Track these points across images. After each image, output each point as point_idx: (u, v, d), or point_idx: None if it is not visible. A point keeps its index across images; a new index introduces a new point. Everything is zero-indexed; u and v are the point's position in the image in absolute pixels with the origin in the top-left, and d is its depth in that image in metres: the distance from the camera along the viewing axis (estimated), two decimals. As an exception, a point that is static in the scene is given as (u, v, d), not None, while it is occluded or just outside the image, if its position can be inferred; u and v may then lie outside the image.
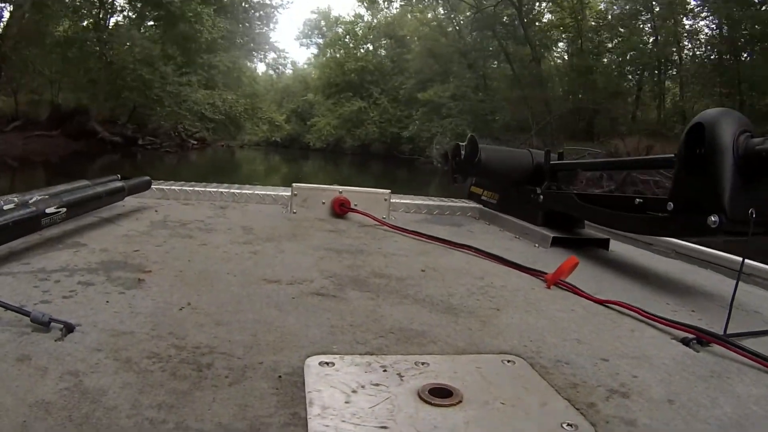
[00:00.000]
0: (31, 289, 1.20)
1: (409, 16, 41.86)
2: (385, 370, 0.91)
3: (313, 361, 0.92)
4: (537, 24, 31.17)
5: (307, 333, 1.06)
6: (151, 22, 31.01)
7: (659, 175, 13.29)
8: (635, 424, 0.80)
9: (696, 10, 24.65)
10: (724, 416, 0.85)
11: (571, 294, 1.47)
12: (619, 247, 2.22)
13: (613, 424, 0.80)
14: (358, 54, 45.71)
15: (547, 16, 31.53)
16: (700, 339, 1.14)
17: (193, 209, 2.40)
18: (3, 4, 22.36)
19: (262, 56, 45.70)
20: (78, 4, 26.99)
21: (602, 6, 29.56)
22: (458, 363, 0.97)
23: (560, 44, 32.40)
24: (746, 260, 1.60)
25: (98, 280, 1.29)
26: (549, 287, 1.52)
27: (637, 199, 1.81)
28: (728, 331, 1.18)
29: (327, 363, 0.92)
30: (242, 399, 0.79)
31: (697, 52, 25.63)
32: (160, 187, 2.64)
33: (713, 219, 1.40)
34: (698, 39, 25.29)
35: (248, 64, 41.51)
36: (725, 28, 23.07)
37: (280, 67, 52.08)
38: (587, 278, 1.63)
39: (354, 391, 0.82)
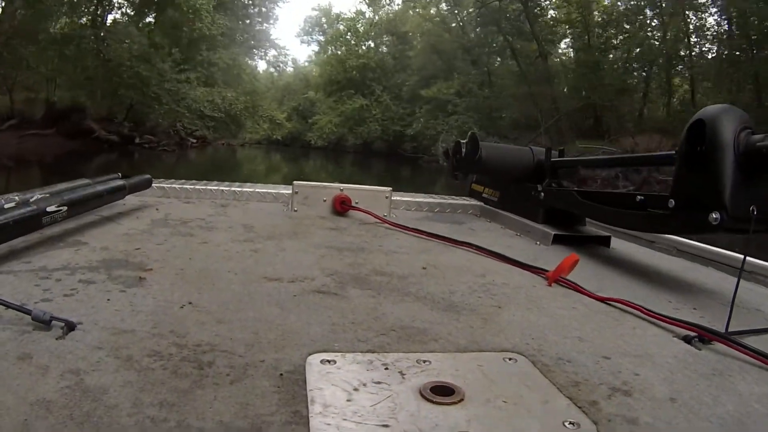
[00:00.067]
0: (32, 287, 1.20)
1: (411, 12, 41.65)
2: (386, 368, 0.91)
3: (314, 359, 0.92)
4: (543, 19, 30.89)
5: (309, 331, 1.06)
6: (149, 19, 30.93)
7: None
8: (637, 423, 0.80)
9: (705, 4, 24.57)
10: (726, 414, 0.85)
11: (572, 291, 1.47)
12: (620, 245, 2.22)
13: (615, 422, 0.80)
14: (360, 51, 45.41)
15: (551, 13, 31.37)
16: (702, 337, 1.14)
17: (194, 207, 2.40)
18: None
19: (262, 54, 45.77)
20: (75, 1, 26.83)
21: (607, 1, 29.36)
22: (460, 361, 0.97)
23: (565, 40, 32.25)
24: (748, 258, 1.60)
25: (99, 279, 1.29)
26: (550, 285, 1.52)
27: (639, 197, 1.81)
28: (730, 329, 1.18)
29: (328, 361, 0.92)
30: (243, 397, 0.79)
31: (706, 47, 25.60)
32: (161, 185, 2.64)
33: (714, 216, 1.40)
34: (706, 34, 25.26)
35: (249, 61, 41.42)
36: (734, 23, 22.95)
37: (281, 64, 52.12)
38: (589, 276, 1.63)
39: (355, 389, 0.82)
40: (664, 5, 25.21)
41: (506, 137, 23.08)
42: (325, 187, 2.47)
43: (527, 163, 2.51)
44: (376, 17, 46.37)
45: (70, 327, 0.96)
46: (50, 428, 0.68)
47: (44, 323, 0.95)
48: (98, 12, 28.13)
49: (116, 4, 29.45)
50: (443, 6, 37.42)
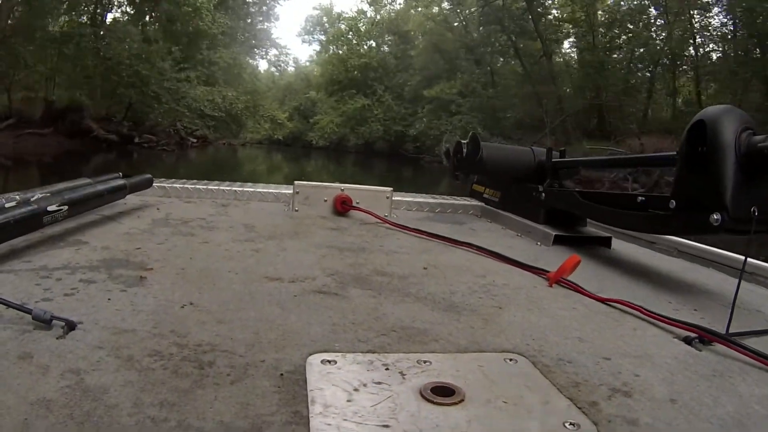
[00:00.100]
0: (33, 286, 1.20)
1: (413, 11, 41.49)
2: (387, 369, 0.91)
3: (315, 360, 0.92)
4: (547, 18, 30.62)
5: (309, 331, 1.06)
6: (149, 18, 30.84)
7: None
8: (637, 423, 0.80)
9: (710, 3, 24.39)
10: (726, 415, 0.84)
11: (573, 292, 1.47)
12: (621, 246, 2.22)
13: (615, 423, 0.80)
14: (362, 50, 45.27)
15: (554, 12, 31.10)
16: (703, 338, 1.14)
17: (194, 207, 2.40)
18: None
19: (263, 53, 45.64)
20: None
21: (611, 1, 29.16)
22: (460, 361, 0.97)
23: (567, 40, 31.98)
24: (749, 259, 1.60)
25: (100, 278, 1.29)
26: (551, 285, 1.52)
27: (639, 197, 1.81)
28: (731, 330, 1.18)
29: (329, 361, 0.92)
30: (244, 397, 0.79)
31: (710, 47, 25.44)
32: (162, 185, 2.64)
33: (715, 217, 1.40)
34: (710, 35, 25.11)
35: (250, 61, 41.31)
36: (740, 22, 22.84)
37: (282, 64, 52.05)
38: (589, 276, 1.63)
39: (356, 390, 0.82)
40: (668, 4, 24.98)
41: (510, 137, 22.84)
42: (326, 187, 2.47)
43: (528, 163, 2.51)
44: (378, 16, 46.32)
45: (70, 326, 0.96)
46: (50, 428, 0.68)
47: (45, 322, 0.95)
48: (98, 10, 28.04)
49: (116, 3, 29.37)
50: (445, 5, 37.27)
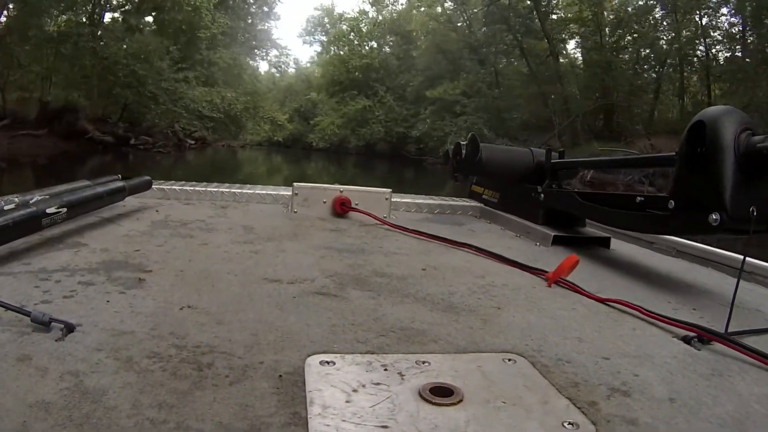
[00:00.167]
0: (32, 289, 1.20)
1: (415, 12, 41.27)
2: (385, 369, 0.91)
3: (313, 361, 0.92)
4: (553, 17, 30.36)
5: (308, 332, 1.06)
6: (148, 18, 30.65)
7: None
8: (636, 423, 0.80)
9: (718, 2, 24.33)
10: (725, 415, 0.84)
11: (572, 292, 1.47)
12: (620, 246, 2.22)
13: (615, 422, 0.80)
14: (363, 51, 44.96)
15: (560, 11, 30.80)
16: (702, 337, 1.14)
17: (193, 209, 2.40)
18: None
19: (264, 54, 45.57)
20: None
21: (616, 1, 28.91)
22: (459, 362, 0.97)
23: (572, 40, 31.71)
24: (747, 258, 1.60)
25: (99, 280, 1.29)
26: (550, 286, 1.52)
27: (638, 197, 1.81)
28: (729, 330, 1.18)
29: (328, 362, 0.92)
30: (243, 398, 0.79)
31: (718, 48, 25.28)
32: (161, 187, 2.64)
33: (714, 217, 1.40)
34: (717, 35, 25.01)
35: (250, 62, 41.19)
36: (749, 22, 22.75)
37: (283, 65, 51.95)
38: (588, 277, 1.63)
39: (355, 391, 0.82)
40: (677, 4, 24.74)
41: (516, 139, 22.64)
42: (325, 188, 2.47)
43: (527, 164, 2.51)
44: (380, 17, 46.02)
45: (69, 328, 0.96)
46: (49, 430, 0.68)
47: (44, 325, 0.95)
48: (96, 10, 27.81)
49: (117, 3, 29.10)
50: (449, 4, 36.94)
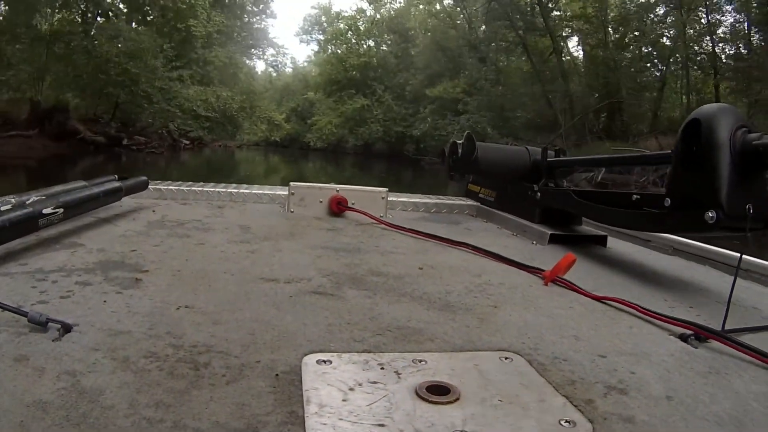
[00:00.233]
0: (29, 289, 1.20)
1: (413, 10, 41.04)
2: (382, 368, 0.91)
3: (310, 360, 0.92)
4: (556, 14, 30.07)
5: (305, 331, 1.06)
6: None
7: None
8: (633, 421, 0.80)
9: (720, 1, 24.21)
10: (722, 412, 0.85)
11: (568, 291, 1.47)
12: (616, 244, 2.22)
13: (611, 420, 0.80)
14: (361, 50, 44.77)
15: (562, 10, 30.45)
16: (699, 335, 1.14)
17: (190, 209, 2.40)
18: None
19: (260, 53, 45.28)
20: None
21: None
22: (456, 360, 0.97)
23: (574, 38, 31.46)
24: (744, 256, 1.60)
25: (95, 280, 1.29)
26: (547, 284, 1.52)
27: (635, 196, 1.81)
28: (726, 327, 1.18)
29: (324, 361, 0.92)
30: (239, 398, 0.79)
31: (721, 46, 25.10)
32: (158, 187, 2.64)
33: (710, 215, 1.40)
34: (720, 33, 24.87)
35: (246, 61, 40.88)
36: (754, 20, 22.62)
37: (280, 64, 51.77)
38: (585, 275, 1.63)
39: (351, 389, 0.82)
40: (682, 1, 24.54)
41: (520, 138, 22.37)
42: (321, 188, 2.47)
43: (524, 162, 2.51)
44: (378, 15, 45.82)
45: (66, 329, 0.96)
46: (47, 429, 0.68)
47: (40, 325, 0.95)
48: (89, 8, 27.57)
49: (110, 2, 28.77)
50: (448, 1, 36.78)
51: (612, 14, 28.45)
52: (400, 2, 43.97)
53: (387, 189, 2.52)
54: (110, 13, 28.33)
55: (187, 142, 31.15)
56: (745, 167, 1.40)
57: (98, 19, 28.34)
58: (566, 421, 0.78)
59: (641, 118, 25.83)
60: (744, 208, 1.37)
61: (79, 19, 27.29)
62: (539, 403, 0.83)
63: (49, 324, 0.96)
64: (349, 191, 2.45)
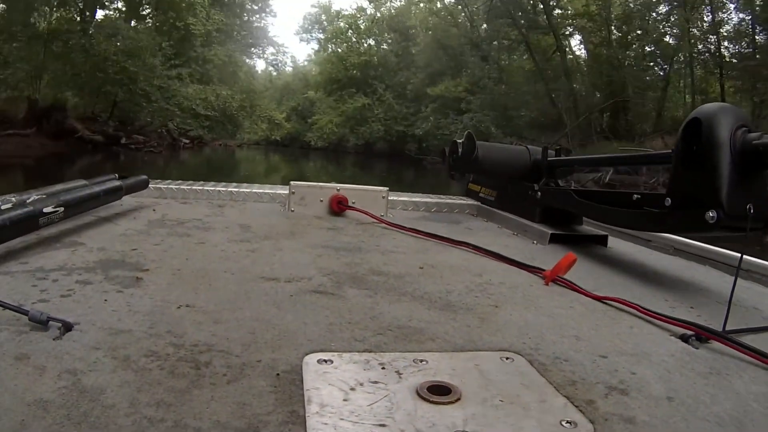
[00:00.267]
0: (29, 288, 1.20)
1: (413, 8, 40.83)
2: (383, 368, 0.91)
3: (311, 359, 0.92)
4: (559, 11, 29.81)
5: (306, 331, 1.06)
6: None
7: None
8: (634, 422, 0.80)
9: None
10: (723, 413, 0.85)
11: (569, 291, 1.47)
12: (617, 244, 2.22)
13: (612, 421, 0.80)
14: (361, 49, 44.51)
15: (564, 8, 30.14)
16: (699, 335, 1.14)
17: (190, 208, 2.40)
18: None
19: (260, 52, 45.05)
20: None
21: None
22: (457, 360, 0.97)
23: (575, 37, 31.15)
24: (745, 256, 1.60)
25: (96, 279, 1.29)
26: (547, 284, 1.52)
27: (635, 195, 1.81)
28: (727, 328, 1.18)
29: (325, 361, 0.92)
30: (240, 397, 0.79)
31: (725, 45, 24.94)
32: (158, 186, 2.64)
33: (711, 214, 1.40)
34: (723, 32, 24.69)
35: (246, 60, 40.66)
36: (759, 19, 22.48)
37: (280, 63, 51.57)
38: (585, 275, 1.63)
39: (352, 389, 0.82)
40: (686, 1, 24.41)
41: (525, 138, 22.18)
42: (322, 187, 2.47)
43: (524, 162, 2.51)
44: (378, 14, 45.60)
45: (67, 327, 0.96)
46: (47, 428, 0.68)
47: (41, 324, 0.95)
48: (87, 6, 27.35)
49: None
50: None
51: (615, 12, 28.17)
52: (400, 0, 44.01)
53: (387, 188, 2.52)
54: (106, 2, 28.15)
55: (187, 141, 30.91)
56: (745, 167, 1.40)
57: (96, 17, 28.28)
58: (567, 422, 0.78)
59: (645, 118, 25.63)
60: (744, 208, 1.37)
61: (78, 18, 27.12)
62: (540, 403, 0.83)
63: (50, 323, 0.96)
64: (350, 190, 2.45)
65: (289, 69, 55.28)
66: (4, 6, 23.23)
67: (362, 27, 45.85)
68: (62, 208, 1.64)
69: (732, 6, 23.94)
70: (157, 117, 28.63)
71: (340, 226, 2.20)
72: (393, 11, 44.57)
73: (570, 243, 2.11)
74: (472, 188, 2.97)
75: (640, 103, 26.03)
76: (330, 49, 47.33)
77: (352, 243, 1.91)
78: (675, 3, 25.14)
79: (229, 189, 2.73)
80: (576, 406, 0.83)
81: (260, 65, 56.27)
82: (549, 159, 2.40)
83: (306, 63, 56.23)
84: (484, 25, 33.28)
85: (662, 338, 1.16)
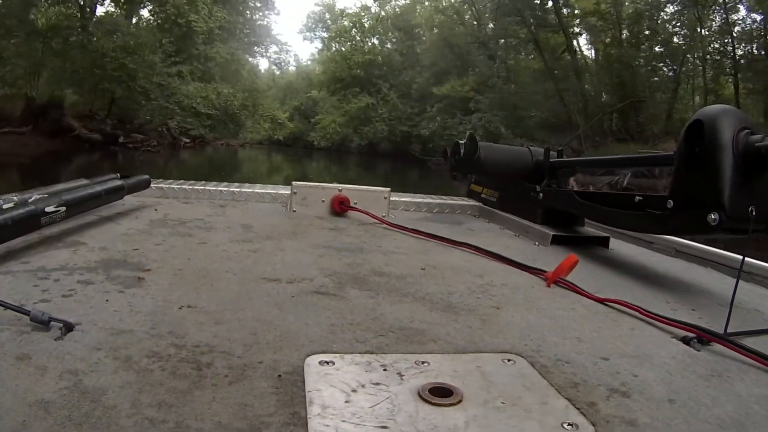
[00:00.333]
0: (31, 288, 1.20)
1: (419, 6, 40.50)
2: (385, 369, 0.91)
3: (313, 360, 0.92)
4: (569, 10, 29.40)
5: (307, 332, 1.06)
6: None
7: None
8: (636, 424, 0.80)
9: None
10: (725, 415, 0.85)
11: (571, 292, 1.47)
12: (619, 246, 2.22)
13: (614, 423, 0.80)
14: (365, 48, 43.98)
15: (573, 6, 29.75)
16: (701, 338, 1.14)
17: (192, 208, 2.40)
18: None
19: (263, 50, 44.64)
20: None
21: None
22: (458, 362, 0.97)
23: (582, 37, 30.76)
24: (746, 258, 1.60)
25: (98, 279, 1.29)
26: (549, 286, 1.52)
27: (637, 197, 1.81)
28: (729, 330, 1.18)
29: (327, 362, 0.92)
30: (242, 398, 0.79)
31: (733, 46, 24.65)
32: (160, 185, 2.64)
33: (713, 217, 1.40)
34: (732, 33, 24.47)
35: (249, 58, 40.29)
36: None
37: (283, 63, 51.30)
38: (587, 277, 1.63)
39: (354, 391, 0.82)
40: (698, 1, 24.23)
41: (535, 139, 22.02)
42: (324, 187, 2.47)
43: (526, 163, 2.51)
44: (382, 12, 45.09)
45: (68, 327, 0.96)
46: (49, 429, 0.68)
47: (43, 324, 0.95)
48: (87, 3, 27.19)
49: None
50: (456, -4, 35.89)
51: (626, 11, 27.80)
52: (405, -2, 43.63)
53: (389, 189, 2.52)
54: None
55: (188, 141, 30.54)
56: (747, 169, 1.40)
57: (96, 13, 28.03)
58: (569, 424, 0.78)
59: (656, 119, 25.41)
60: (746, 210, 1.37)
61: (78, 14, 26.85)
62: (542, 405, 0.83)
63: (51, 323, 0.96)
64: (352, 191, 2.45)
65: (292, 68, 55.09)
66: (0, 1, 23.09)
67: (366, 25, 45.31)
68: (64, 208, 1.64)
69: (742, 6, 23.89)
70: (156, 115, 28.30)
71: (341, 227, 2.20)
72: (398, 9, 44.12)
73: (572, 244, 2.11)
74: (474, 189, 2.97)
75: (652, 104, 25.83)
76: (334, 48, 46.82)
77: (353, 244, 1.91)
78: (685, 2, 24.91)
79: (231, 189, 2.73)
80: (577, 408, 0.83)
81: (263, 64, 55.94)
82: (551, 160, 2.39)
83: (309, 62, 55.92)
84: (491, 24, 32.90)
85: (664, 340, 1.16)
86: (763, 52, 23.53)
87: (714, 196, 1.41)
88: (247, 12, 38.85)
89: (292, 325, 1.09)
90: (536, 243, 2.16)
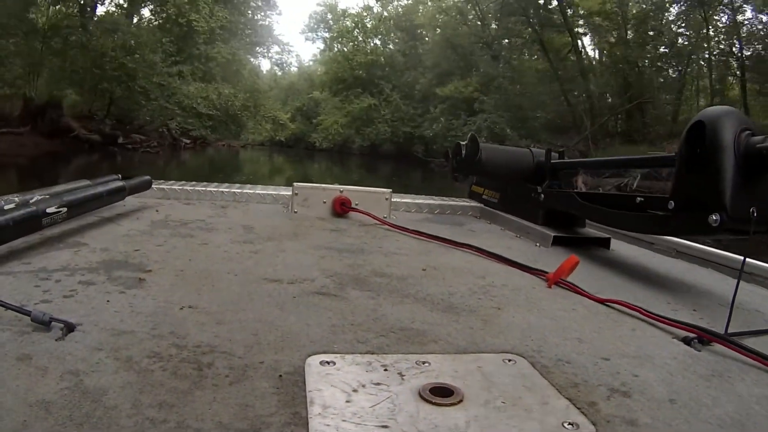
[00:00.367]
0: (32, 288, 1.20)
1: (421, 7, 40.41)
2: (386, 370, 0.91)
3: (314, 361, 0.92)
4: (572, 10, 29.10)
5: (308, 332, 1.06)
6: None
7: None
8: (636, 424, 0.80)
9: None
10: (725, 416, 0.84)
11: (572, 293, 1.47)
12: (620, 247, 2.22)
13: (615, 423, 0.80)
14: (368, 48, 43.89)
15: (578, 6, 29.33)
16: (702, 338, 1.14)
17: (193, 209, 2.40)
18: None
19: (265, 51, 44.48)
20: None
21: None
22: (459, 362, 0.97)
23: (587, 37, 30.52)
24: (747, 259, 1.60)
25: (99, 280, 1.29)
26: (550, 286, 1.52)
27: (638, 198, 1.81)
28: (729, 331, 1.18)
29: (328, 362, 0.92)
30: (243, 398, 0.79)
31: (738, 46, 24.50)
32: (161, 186, 2.65)
33: (714, 218, 1.40)
34: (736, 33, 24.30)
35: (251, 59, 40.12)
36: None
37: (285, 63, 51.15)
38: (588, 277, 1.63)
39: (355, 391, 0.82)
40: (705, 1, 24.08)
41: (541, 140, 21.89)
42: (325, 188, 2.48)
43: (527, 164, 2.51)
44: (385, 12, 45.02)
45: (69, 328, 0.96)
46: (49, 429, 0.68)
47: (44, 324, 0.95)
48: (87, 2, 27.05)
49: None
50: (460, -4, 35.68)
51: (631, 12, 27.60)
52: (408, -1, 43.44)
53: (391, 190, 2.53)
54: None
55: (188, 141, 30.40)
56: (749, 170, 1.40)
57: (96, 12, 27.85)
58: (569, 424, 0.78)
59: (662, 120, 25.30)
60: (748, 211, 1.37)
61: (78, 13, 26.65)
62: (542, 405, 0.83)
63: (53, 323, 0.96)
64: (353, 192, 2.45)
65: (294, 68, 54.98)
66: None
67: (369, 26, 45.21)
68: (65, 209, 1.64)
69: (748, 7, 23.81)
70: (156, 116, 28.16)
71: (343, 228, 2.20)
72: (400, 10, 44.05)
73: (573, 245, 2.11)
74: (475, 190, 2.97)
75: (658, 105, 25.73)
76: (336, 49, 46.63)
77: (355, 244, 1.91)
78: (691, 3, 24.79)
79: (232, 190, 2.73)
80: (578, 408, 0.83)
81: (265, 64, 55.98)
82: (552, 161, 2.39)
83: (311, 62, 55.82)
84: (494, 24, 32.69)
85: (665, 341, 1.16)
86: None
87: (715, 197, 1.41)
88: (249, 12, 38.75)
89: (293, 326, 1.09)
90: (537, 244, 2.16)
